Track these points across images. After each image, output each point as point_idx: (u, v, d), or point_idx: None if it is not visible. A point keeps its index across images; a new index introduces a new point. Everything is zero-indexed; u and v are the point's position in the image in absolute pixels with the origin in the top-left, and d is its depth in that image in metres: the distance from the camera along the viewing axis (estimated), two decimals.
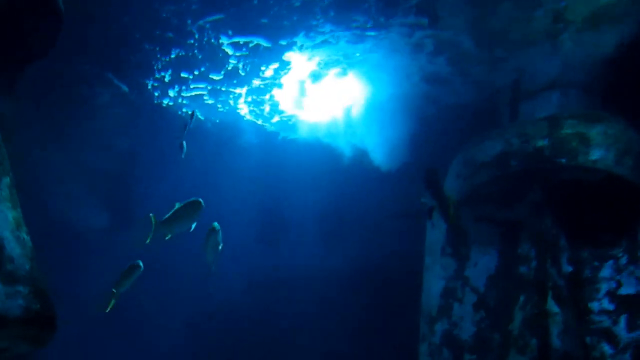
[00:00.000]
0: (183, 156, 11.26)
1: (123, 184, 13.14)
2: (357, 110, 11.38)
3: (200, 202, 9.06)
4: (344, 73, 11.05)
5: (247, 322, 13.20)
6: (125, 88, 11.90)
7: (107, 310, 9.02)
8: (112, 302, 9.17)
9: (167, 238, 8.82)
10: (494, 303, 9.17)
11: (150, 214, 8.73)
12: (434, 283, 9.59)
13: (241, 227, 12.69)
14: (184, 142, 11.37)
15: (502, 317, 9.03)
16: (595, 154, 8.46)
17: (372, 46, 10.04)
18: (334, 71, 11.10)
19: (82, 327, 11.63)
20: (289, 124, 12.76)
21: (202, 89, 12.13)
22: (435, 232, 9.73)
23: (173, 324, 13.48)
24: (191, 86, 12.11)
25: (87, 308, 9.15)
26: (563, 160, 8.57)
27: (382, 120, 10.83)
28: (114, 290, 9.12)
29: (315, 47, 10.53)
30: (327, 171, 12.09)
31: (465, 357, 9.14)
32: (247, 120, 12.86)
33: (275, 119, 12.78)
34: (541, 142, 8.70)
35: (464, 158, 9.39)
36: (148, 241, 8.77)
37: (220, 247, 9.94)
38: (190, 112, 11.70)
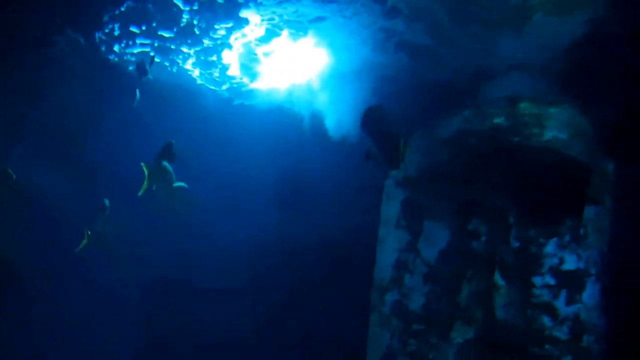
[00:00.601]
0: (135, 105, 11.03)
1: (82, 144, 12.72)
2: (319, 77, 11.20)
3: (172, 142, 9.14)
4: (304, 35, 10.72)
5: (203, 286, 13.19)
6: (81, 39, 11.38)
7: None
8: (85, 242, 9.25)
9: (153, 188, 8.79)
10: (444, 276, 9.50)
11: (142, 164, 8.68)
12: (386, 254, 9.81)
13: (199, 193, 12.60)
14: (137, 91, 11.11)
15: (451, 290, 9.39)
16: (549, 135, 8.82)
17: (341, 7, 9.76)
18: (295, 34, 10.76)
19: (38, 289, 11.32)
20: (243, 90, 12.52)
21: (147, 45, 11.73)
22: (391, 205, 9.92)
23: (128, 287, 13.31)
24: (138, 42, 11.69)
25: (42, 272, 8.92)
26: (518, 139, 8.89)
27: (346, 88, 10.73)
28: (88, 232, 9.18)
29: (276, 4, 10.16)
30: (287, 141, 12.00)
31: (414, 327, 9.47)
32: (200, 85, 12.56)
33: (226, 86, 12.49)
34: (498, 121, 8.98)
35: (424, 134, 9.58)
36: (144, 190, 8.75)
37: (174, 184, 9.93)
38: (151, 55, 11.33)
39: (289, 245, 12.33)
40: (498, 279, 9.10)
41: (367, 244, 10.01)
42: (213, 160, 12.60)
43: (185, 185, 10.67)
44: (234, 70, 11.99)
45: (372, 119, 7.96)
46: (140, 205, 11.98)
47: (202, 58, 11.77)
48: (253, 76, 12.09)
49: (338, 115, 10.83)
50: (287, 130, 11.89)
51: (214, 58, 11.73)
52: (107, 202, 10.19)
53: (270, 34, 10.93)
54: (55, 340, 12.87)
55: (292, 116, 11.79)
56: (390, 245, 9.82)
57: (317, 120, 11.29)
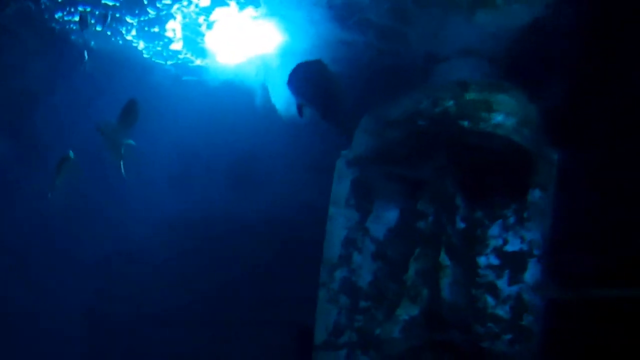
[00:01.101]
0: (85, 68, 10.67)
1: (28, 111, 12.36)
2: (271, 53, 10.94)
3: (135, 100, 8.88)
4: (256, 6, 10.41)
5: (157, 261, 13.19)
6: (31, 5, 10.89)
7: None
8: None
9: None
10: (392, 254, 9.67)
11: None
12: (336, 232, 9.90)
13: (153, 170, 12.44)
14: (85, 52, 10.72)
15: (398, 268, 9.57)
16: (497, 121, 8.92)
17: None
18: (243, 4, 10.41)
19: None
20: (190, 66, 12.20)
21: (89, 14, 11.27)
22: (341, 185, 9.96)
23: (84, 263, 13.25)
24: (79, 9, 11.23)
25: None
26: (466, 124, 8.96)
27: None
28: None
29: None
30: (239, 118, 11.85)
31: (361, 304, 9.65)
32: (147, 59, 12.20)
33: (171, 62, 12.13)
34: (448, 105, 9.02)
35: (374, 114, 9.59)
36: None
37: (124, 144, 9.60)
38: (104, 13, 10.89)
39: (237, 220, 12.37)
40: (444, 258, 9.29)
41: (318, 222, 10.08)
42: (161, 135, 12.40)
43: (133, 143, 10.47)
44: (178, 44, 11.66)
45: (300, 76, 7.57)
46: (88, 173, 11.85)
47: (146, 29, 11.41)
48: (199, 52, 11.79)
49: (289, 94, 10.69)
50: (237, 107, 11.74)
51: (157, 29, 11.37)
52: (71, 153, 9.83)
53: (215, 3, 10.53)
54: None
55: (243, 94, 11.62)
56: (339, 224, 9.90)
57: (267, 98, 11.15)
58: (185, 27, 11.24)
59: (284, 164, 11.77)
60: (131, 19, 11.17)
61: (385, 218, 9.77)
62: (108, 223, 13.21)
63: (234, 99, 11.77)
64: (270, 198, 12.09)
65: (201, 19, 11.01)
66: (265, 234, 12.15)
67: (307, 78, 7.84)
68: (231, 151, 12.27)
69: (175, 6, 10.71)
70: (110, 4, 10.82)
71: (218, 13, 10.75)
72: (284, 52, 10.79)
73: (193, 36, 11.43)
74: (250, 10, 10.53)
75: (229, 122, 11.90)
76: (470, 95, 8.95)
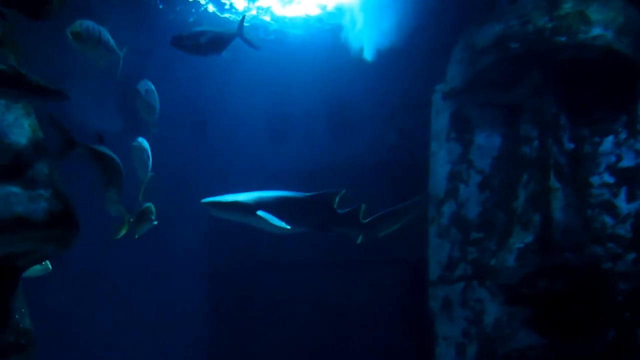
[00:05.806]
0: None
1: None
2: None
3: None
4: None
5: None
6: None
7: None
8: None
9: None
10: (498, 183, 9.49)
11: None
12: (440, 167, 9.89)
13: (249, 125, 12.88)
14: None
15: (506, 196, 9.38)
16: (595, 31, 8.50)
17: None
18: None
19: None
20: (276, 17, 12.23)
21: None
22: (439, 119, 9.93)
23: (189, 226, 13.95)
24: None
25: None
26: (563, 39, 8.62)
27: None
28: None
29: None
30: (332, 65, 11.93)
31: (472, 235, 9.58)
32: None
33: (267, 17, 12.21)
34: (541, 23, 8.71)
35: (464, 43, 9.43)
36: None
37: None
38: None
39: (340, 166, 12.47)
40: (554, 181, 8.97)
41: (420, 162, 10.09)
42: (257, 95, 12.69)
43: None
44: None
45: None
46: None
47: None
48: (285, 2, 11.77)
49: (379, 34, 10.68)
50: (326, 56, 11.79)
51: None
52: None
53: None
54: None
55: (330, 42, 11.64)
56: (442, 158, 9.88)
57: (355, 42, 11.12)
58: None
59: (378, 105, 11.77)
60: None
61: (488, 147, 9.59)
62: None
63: (321, 48, 11.84)
64: (368, 140, 12.14)
65: None
66: (369, 176, 12.20)
67: None
68: (326, 100, 12.39)
69: None
70: None
71: None
72: None
73: None
74: None
75: (321, 71, 11.99)
76: (564, 9, 8.60)
